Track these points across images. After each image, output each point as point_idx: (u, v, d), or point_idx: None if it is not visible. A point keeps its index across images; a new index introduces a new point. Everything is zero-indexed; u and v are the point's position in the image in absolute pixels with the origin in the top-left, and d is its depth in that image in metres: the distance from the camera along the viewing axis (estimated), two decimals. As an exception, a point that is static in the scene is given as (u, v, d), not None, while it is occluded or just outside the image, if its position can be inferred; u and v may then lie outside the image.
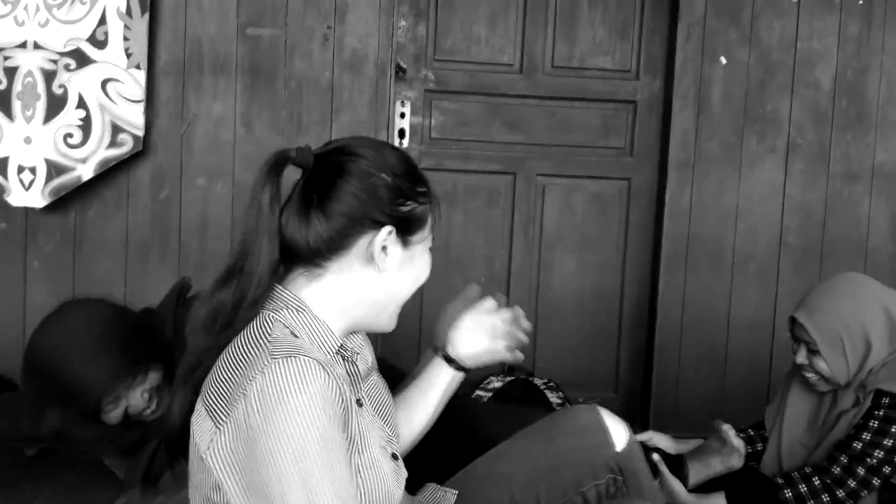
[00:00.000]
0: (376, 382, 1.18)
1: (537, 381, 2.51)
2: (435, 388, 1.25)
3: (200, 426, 0.97)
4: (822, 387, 1.70)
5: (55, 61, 2.38)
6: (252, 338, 0.99)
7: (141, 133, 2.44)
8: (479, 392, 2.41)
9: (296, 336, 1.00)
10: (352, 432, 0.99)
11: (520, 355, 1.34)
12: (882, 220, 2.72)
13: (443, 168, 2.69)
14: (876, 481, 1.59)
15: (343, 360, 1.08)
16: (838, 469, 1.59)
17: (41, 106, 2.38)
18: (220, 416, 0.94)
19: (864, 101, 2.69)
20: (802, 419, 1.77)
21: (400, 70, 2.62)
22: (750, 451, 1.89)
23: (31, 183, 2.39)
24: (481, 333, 1.26)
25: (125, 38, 2.41)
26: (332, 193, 1.02)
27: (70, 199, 2.45)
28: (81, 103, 2.40)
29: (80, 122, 2.40)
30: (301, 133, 2.54)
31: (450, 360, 1.26)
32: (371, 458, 1.01)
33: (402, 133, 2.67)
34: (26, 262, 2.49)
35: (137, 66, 2.42)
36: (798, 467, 1.69)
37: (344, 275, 1.03)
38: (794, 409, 1.79)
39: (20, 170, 2.39)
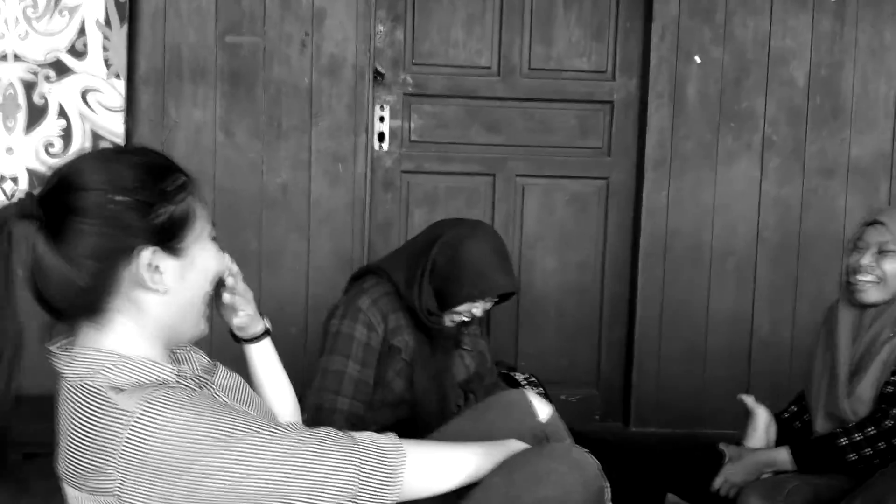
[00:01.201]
0: (225, 373, 1.15)
1: (518, 377, 2.53)
2: (255, 365, 1.25)
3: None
4: (873, 295, 1.72)
5: (35, 73, 2.41)
6: (88, 412, 0.90)
7: (121, 141, 2.46)
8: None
9: (124, 389, 0.93)
10: None
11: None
12: (858, 215, 2.73)
13: (423, 170, 2.72)
14: None
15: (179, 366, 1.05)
16: (891, 421, 1.62)
17: (22, 117, 2.41)
18: (102, 484, 0.88)
19: (839, 97, 2.72)
20: (845, 342, 1.78)
21: (378, 74, 2.65)
22: (799, 425, 1.89)
23: (13, 193, 2.42)
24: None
25: (104, 49, 2.44)
26: (70, 239, 0.90)
27: (53, 208, 2.48)
28: (62, 113, 2.43)
29: (61, 132, 2.43)
30: (280, 138, 2.57)
31: (238, 339, 1.26)
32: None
33: (381, 136, 2.70)
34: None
35: (117, 76, 2.45)
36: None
37: (130, 310, 0.94)
38: (840, 334, 1.79)
39: (2, 180, 2.42)
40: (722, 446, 1.83)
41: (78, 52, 2.43)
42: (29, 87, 2.42)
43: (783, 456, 1.73)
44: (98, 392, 0.91)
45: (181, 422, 0.87)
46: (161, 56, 2.52)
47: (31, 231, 0.91)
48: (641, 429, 2.74)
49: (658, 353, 2.73)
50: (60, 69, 2.42)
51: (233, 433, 0.89)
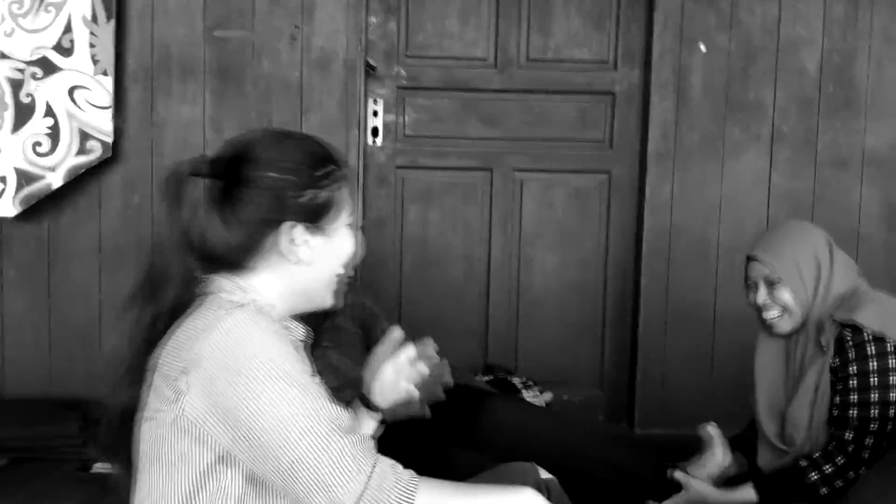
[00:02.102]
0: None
1: (515, 381, 2.46)
2: None
3: (166, 399, 0.98)
4: (785, 326, 1.73)
5: (22, 70, 2.38)
6: (202, 313, 1.03)
7: (110, 139, 2.43)
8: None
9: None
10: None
11: (427, 412, 1.37)
12: (874, 207, 2.63)
13: (418, 166, 2.65)
14: (892, 412, 1.58)
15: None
16: (851, 433, 1.60)
17: (9, 115, 2.38)
18: (184, 376, 0.97)
19: (852, 86, 2.59)
20: (775, 372, 1.79)
21: (370, 68, 2.58)
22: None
23: (1, 192, 2.39)
24: (399, 383, 1.25)
25: (91, 45, 2.40)
26: (229, 202, 1.05)
27: (42, 207, 2.45)
28: (49, 111, 2.39)
29: (49, 131, 2.39)
30: (271, 135, 2.51)
31: (371, 408, 1.26)
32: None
33: (375, 131, 2.63)
34: (2, 272, 2.50)
35: (104, 73, 2.41)
36: (804, 439, 1.67)
37: (268, 272, 1.07)
38: (765, 364, 1.82)
39: (-10, 179, 2.40)
40: (676, 474, 1.75)
41: (64, 49, 2.39)
42: (16, 85, 2.38)
43: (748, 495, 1.67)
44: (230, 300, 1.04)
45: (258, 339, 0.97)
46: (149, 52, 2.48)
47: (197, 188, 1.05)
48: (646, 430, 2.65)
49: (663, 352, 2.63)
50: (47, 67, 2.38)
51: (287, 377, 0.95)
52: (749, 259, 1.76)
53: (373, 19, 2.60)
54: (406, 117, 2.64)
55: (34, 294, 2.50)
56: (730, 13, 2.55)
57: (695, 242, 2.60)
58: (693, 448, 2.06)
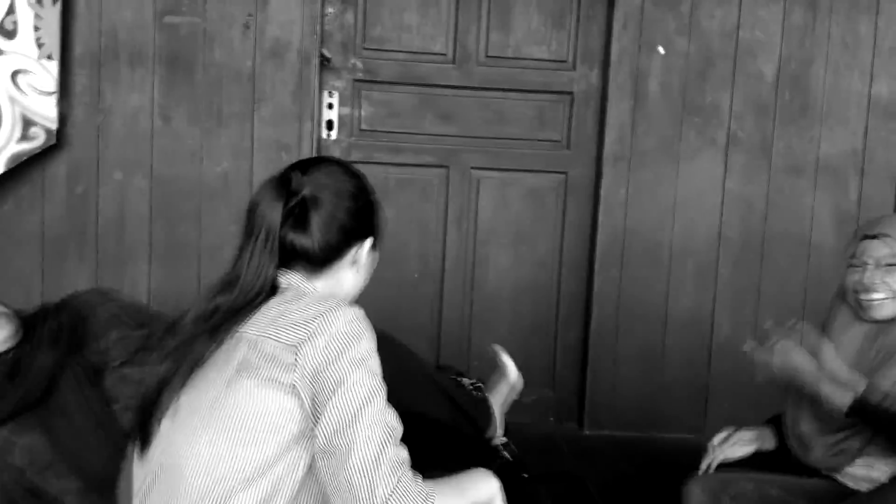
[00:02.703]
0: None
1: (465, 382, 2.44)
2: None
3: (269, 360, 1.07)
4: (886, 311, 1.65)
5: (-39, 52, 2.30)
6: (297, 298, 1.13)
7: (54, 126, 2.36)
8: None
9: None
10: None
11: None
12: (826, 215, 2.65)
13: (373, 161, 2.61)
14: None
15: None
16: None
17: (-53, 98, 2.30)
18: (296, 339, 1.07)
19: (809, 93, 2.60)
20: (851, 352, 1.71)
21: (324, 59, 2.53)
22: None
23: (-61, 177, 2.32)
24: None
25: (36, 28, 2.32)
26: (331, 213, 1.17)
27: (-18, 194, 2.38)
28: (-10, 95, 2.32)
29: (-11, 115, 2.32)
30: (221, 125, 2.46)
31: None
32: None
33: (329, 125, 2.59)
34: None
35: (49, 57, 2.34)
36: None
37: (333, 276, 1.21)
38: (843, 342, 1.72)
39: (-73, 164, 2.32)
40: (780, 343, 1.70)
41: (7, 30, 2.31)
42: (-45, 67, 2.30)
43: (846, 397, 1.56)
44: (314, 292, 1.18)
45: (369, 335, 1.10)
46: (97, 37, 2.41)
47: (296, 201, 1.16)
48: (596, 432, 2.65)
49: (614, 354, 2.64)
50: (-12, 49, 2.31)
51: (376, 375, 1.09)
52: (867, 237, 1.69)
53: (329, 10, 2.55)
54: (362, 111, 2.60)
55: (-27, 283, 2.43)
56: (689, 17, 2.54)
57: (648, 245, 2.60)
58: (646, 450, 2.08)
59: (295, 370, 1.06)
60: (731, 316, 2.63)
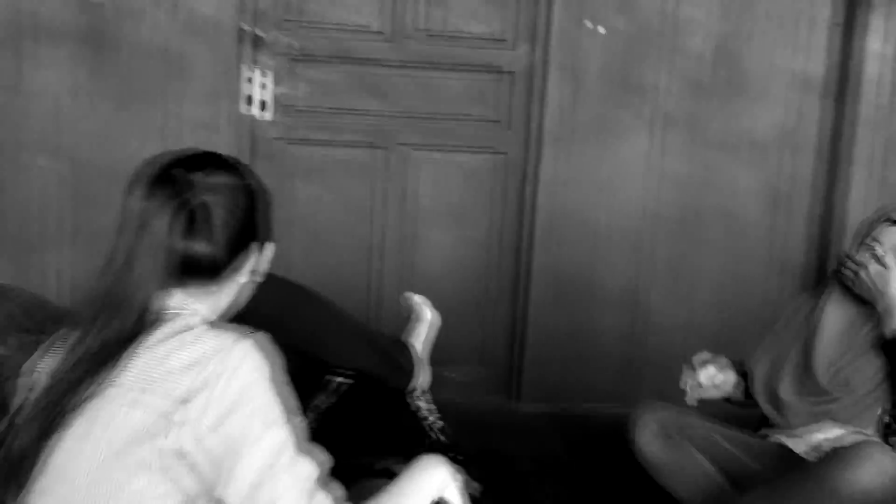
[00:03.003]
0: None
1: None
2: None
3: (149, 415, 0.94)
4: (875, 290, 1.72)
5: None
6: (189, 338, 0.99)
7: (-34, 109, 2.23)
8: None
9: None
10: None
11: None
12: (756, 190, 2.71)
13: (309, 141, 2.56)
14: None
15: None
16: None
17: None
18: (184, 405, 0.94)
19: (740, 70, 2.63)
20: (836, 330, 1.79)
21: (256, 38, 2.44)
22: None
23: None
24: None
25: (-61, 3, 2.18)
26: (230, 217, 1.04)
27: None
28: None
29: None
30: (140, 103, 2.36)
31: None
32: None
33: (262, 104, 2.51)
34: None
35: (-44, 35, 2.20)
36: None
37: (229, 288, 1.09)
38: (831, 320, 1.81)
39: None
40: None
41: None
42: None
43: None
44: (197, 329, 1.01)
45: (260, 365, 0.97)
46: (13, 14, 2.27)
47: (183, 209, 1.00)
48: (531, 405, 2.71)
49: (550, 331, 2.68)
50: None
51: (281, 417, 0.98)
52: (891, 221, 1.74)
53: (259, -16, 2.45)
54: (296, 90, 2.53)
55: None
56: (627, -6, 2.52)
57: (583, 223, 2.63)
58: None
59: (183, 429, 0.92)
60: (663, 291, 2.70)
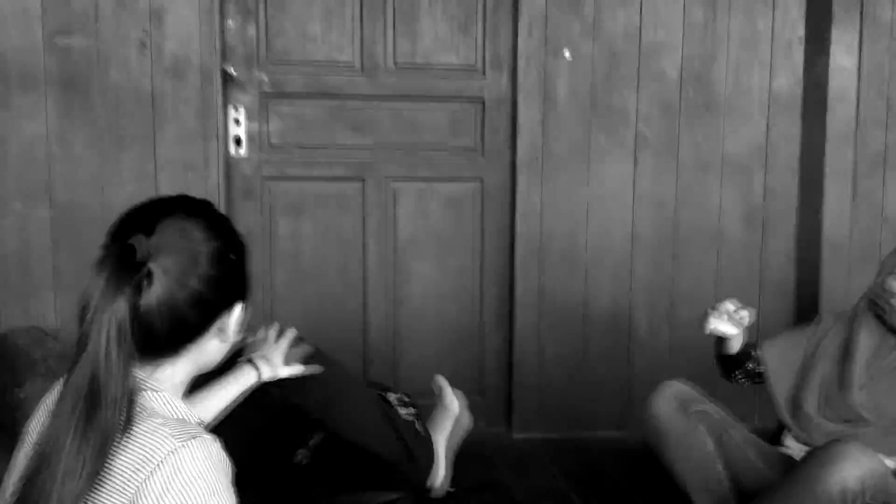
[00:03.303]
0: None
1: (391, 397, 2.43)
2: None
3: None
4: None
5: None
6: (145, 436, 0.93)
7: (-60, 158, 2.24)
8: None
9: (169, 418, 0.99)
10: None
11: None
12: (734, 209, 2.73)
13: (286, 177, 2.57)
14: None
15: None
16: None
17: None
18: (128, 495, 0.90)
19: (712, 90, 2.66)
20: (867, 357, 1.85)
21: (227, 75, 2.47)
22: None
23: None
24: None
25: (-88, 54, 2.20)
26: (185, 286, 0.96)
27: None
28: None
29: None
30: (123, 148, 2.37)
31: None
32: None
33: (238, 141, 2.53)
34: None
35: (-70, 85, 2.21)
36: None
37: (195, 353, 1.02)
38: (864, 345, 1.86)
39: None
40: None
41: None
42: None
43: None
44: (155, 419, 0.95)
45: (203, 472, 0.91)
46: (-19, 61, 2.29)
47: (141, 281, 0.93)
48: (524, 434, 2.68)
49: (538, 357, 2.67)
50: None
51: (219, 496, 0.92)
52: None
53: (230, 23, 2.48)
54: (271, 125, 2.55)
55: None
56: (593, 19, 2.57)
57: (564, 248, 2.64)
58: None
59: None
60: (647, 311, 2.70)
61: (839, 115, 2.65)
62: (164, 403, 0.97)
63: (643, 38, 2.60)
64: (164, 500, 0.88)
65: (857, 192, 2.69)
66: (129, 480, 0.90)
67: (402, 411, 2.38)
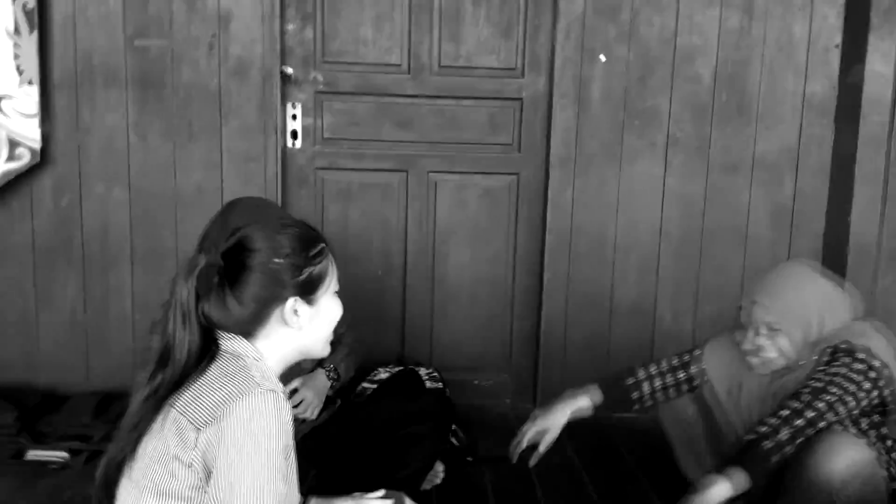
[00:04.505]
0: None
1: (422, 371, 2.66)
2: None
3: (179, 437, 1.18)
4: (775, 366, 1.82)
5: (-52, 81, 2.49)
6: (226, 370, 1.22)
7: (38, 146, 2.56)
8: (364, 384, 2.57)
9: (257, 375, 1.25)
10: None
11: None
12: (762, 210, 2.81)
13: (337, 167, 2.80)
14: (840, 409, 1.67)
15: None
16: (801, 404, 1.68)
17: (-62, 125, 2.50)
18: (202, 422, 1.17)
19: (744, 94, 2.74)
20: (757, 399, 1.87)
21: (286, 75, 2.70)
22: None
23: (-65, 198, 2.53)
24: None
25: (16, 56, 2.51)
26: (242, 286, 1.25)
27: (-24, 210, 2.59)
28: (-23, 121, 2.51)
29: (-23, 139, 2.52)
30: (192, 139, 2.65)
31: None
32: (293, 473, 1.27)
33: (294, 134, 2.77)
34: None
35: (30, 82, 2.53)
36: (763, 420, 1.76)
37: (270, 338, 1.29)
38: (750, 394, 1.89)
39: (-77, 186, 2.53)
40: None
41: (-12, 59, 2.49)
42: (-57, 94, 2.50)
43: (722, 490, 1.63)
44: (244, 363, 1.24)
45: (263, 422, 1.16)
46: (73, 61, 2.59)
47: (214, 274, 1.23)
48: (549, 412, 2.87)
49: (563, 342, 2.84)
50: (-27, 78, 2.49)
51: (270, 462, 1.16)
52: (752, 302, 1.81)
53: (290, 26, 2.71)
54: (324, 121, 2.78)
55: (-28, 290, 2.66)
56: (629, 25, 2.68)
57: (593, 241, 2.79)
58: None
59: (196, 448, 1.15)
60: (671, 305, 2.83)
61: (873, 120, 2.69)
62: (255, 360, 1.24)
63: (678, 42, 2.70)
64: (231, 427, 1.12)
65: (888, 196, 2.74)
66: (192, 428, 1.15)
67: (430, 384, 2.61)
